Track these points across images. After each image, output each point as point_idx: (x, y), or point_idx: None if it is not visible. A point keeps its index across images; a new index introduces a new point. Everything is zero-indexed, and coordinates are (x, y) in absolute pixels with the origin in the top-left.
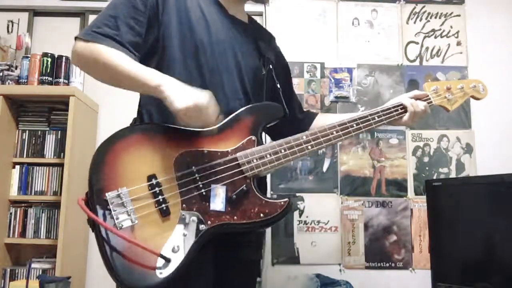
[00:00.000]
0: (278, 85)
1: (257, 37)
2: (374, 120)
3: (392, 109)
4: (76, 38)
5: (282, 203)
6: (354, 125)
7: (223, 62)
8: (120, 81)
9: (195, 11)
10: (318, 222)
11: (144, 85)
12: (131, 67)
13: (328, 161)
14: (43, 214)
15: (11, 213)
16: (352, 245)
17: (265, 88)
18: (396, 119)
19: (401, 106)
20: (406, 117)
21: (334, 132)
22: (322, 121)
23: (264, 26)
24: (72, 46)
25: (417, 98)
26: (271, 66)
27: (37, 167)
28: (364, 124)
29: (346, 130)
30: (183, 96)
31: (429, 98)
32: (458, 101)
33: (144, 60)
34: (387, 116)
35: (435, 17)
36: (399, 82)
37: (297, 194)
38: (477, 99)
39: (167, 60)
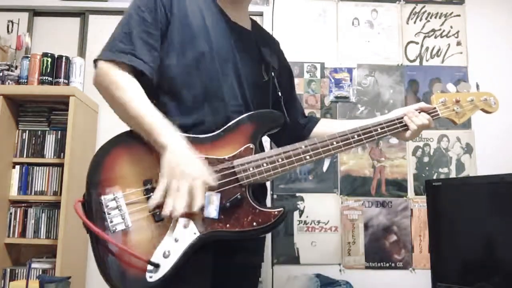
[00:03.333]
0: (279, 93)
1: (260, 43)
2: (376, 132)
3: (397, 121)
4: (95, 60)
5: (276, 212)
6: (356, 136)
7: (223, 70)
8: (128, 119)
9: (197, 19)
10: (318, 222)
11: (150, 135)
12: (144, 111)
13: (328, 161)
14: (43, 214)
15: (11, 213)
16: (352, 245)
17: (267, 95)
18: (400, 131)
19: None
20: (408, 134)
21: (334, 143)
22: (325, 127)
23: (264, 26)
24: (93, 69)
25: (423, 110)
26: (273, 74)
27: (37, 167)
28: (366, 135)
29: (347, 141)
30: (176, 171)
31: (436, 111)
32: (467, 114)
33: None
34: (391, 128)
35: (435, 17)
36: (399, 82)
37: (297, 194)
38: (488, 112)
39: (169, 69)
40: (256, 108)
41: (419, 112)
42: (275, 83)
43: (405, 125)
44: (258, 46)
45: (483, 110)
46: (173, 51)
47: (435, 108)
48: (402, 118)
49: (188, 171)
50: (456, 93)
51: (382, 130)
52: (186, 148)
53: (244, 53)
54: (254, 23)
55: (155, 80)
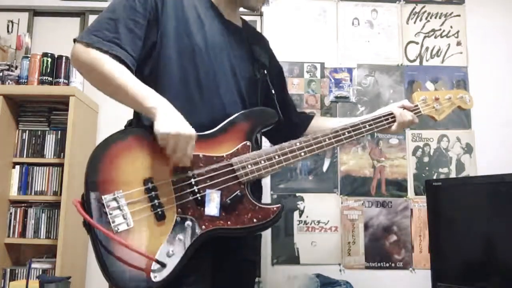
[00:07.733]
0: (273, 91)
1: (251, 42)
2: (365, 129)
3: (383, 118)
4: (75, 40)
5: (274, 208)
6: (346, 133)
7: (219, 66)
8: (115, 93)
9: (192, 14)
10: (318, 222)
11: (138, 103)
12: (129, 82)
13: (328, 161)
14: (43, 214)
15: (11, 213)
16: (352, 245)
17: (259, 93)
18: (386, 128)
19: (391, 115)
20: (394, 126)
21: (327, 140)
22: (318, 124)
23: (263, 26)
24: (71, 49)
25: (406, 108)
26: (265, 71)
27: (37, 167)
28: (356, 132)
29: (338, 138)
30: (169, 121)
31: (418, 108)
32: (446, 111)
33: (142, 60)
34: (378, 125)
35: (435, 17)
36: (399, 82)
37: (297, 194)
38: (463, 109)
39: (164, 61)
40: (251, 105)
41: (403, 109)
42: (267, 81)
43: (390, 121)
44: (249, 44)
45: (459, 107)
46: (169, 44)
47: (417, 105)
48: (387, 115)
49: (181, 128)
50: (435, 91)
51: (370, 127)
52: (172, 108)
53: (238, 50)
54: (244, 22)
55: (147, 72)
